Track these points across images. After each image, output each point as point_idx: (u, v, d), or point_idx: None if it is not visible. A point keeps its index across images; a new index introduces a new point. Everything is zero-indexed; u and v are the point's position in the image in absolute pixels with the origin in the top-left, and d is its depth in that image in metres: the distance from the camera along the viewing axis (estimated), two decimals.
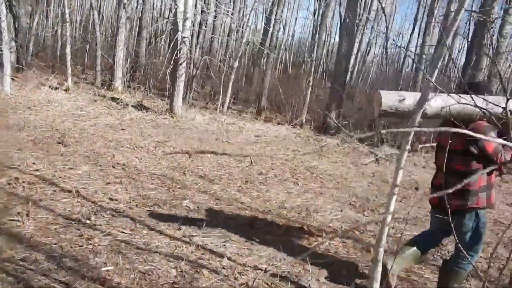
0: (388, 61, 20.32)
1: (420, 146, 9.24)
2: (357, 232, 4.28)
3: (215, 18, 12.34)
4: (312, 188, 5.69)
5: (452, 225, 2.28)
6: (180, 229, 3.74)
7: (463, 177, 2.35)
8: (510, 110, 1.95)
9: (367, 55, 24.07)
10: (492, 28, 9.53)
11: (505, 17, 9.46)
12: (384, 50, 17.39)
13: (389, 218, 2.16)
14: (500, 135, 2.75)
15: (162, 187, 4.80)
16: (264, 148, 7.84)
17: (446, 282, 3.01)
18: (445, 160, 2.65)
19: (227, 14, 13.07)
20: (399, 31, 30.05)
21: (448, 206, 2.17)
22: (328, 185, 5.93)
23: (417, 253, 3.09)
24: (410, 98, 2.51)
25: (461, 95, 2.30)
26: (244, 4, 18.37)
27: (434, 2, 13.30)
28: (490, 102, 2.10)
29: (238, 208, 4.52)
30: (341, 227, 4.42)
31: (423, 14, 23.70)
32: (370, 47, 24.63)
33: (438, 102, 2.53)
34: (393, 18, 31.36)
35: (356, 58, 19.73)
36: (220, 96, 11.53)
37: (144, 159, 5.75)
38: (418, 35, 25.35)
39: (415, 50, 15.40)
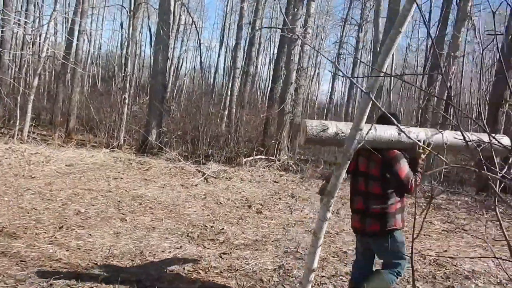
0: (203, 74, 20.55)
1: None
2: (201, 272, 3.78)
3: (2, 28, 10.36)
4: (143, 222, 4.98)
5: (375, 247, 2.93)
6: None
7: (383, 202, 2.98)
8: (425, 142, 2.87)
9: (180, 69, 23.98)
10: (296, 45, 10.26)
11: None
12: (199, 64, 17.44)
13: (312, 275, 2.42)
14: (410, 162, 3.00)
15: None
16: (79, 180, 6.72)
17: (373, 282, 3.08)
18: (364, 184, 3.05)
19: (19, 24, 11.16)
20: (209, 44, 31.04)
21: (373, 231, 2.86)
22: (161, 216, 5.30)
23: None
24: (333, 127, 2.78)
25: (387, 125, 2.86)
26: (40, 13, 16.24)
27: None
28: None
29: (53, 268, 3.53)
30: (184, 269, 3.84)
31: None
32: (182, 61, 24.65)
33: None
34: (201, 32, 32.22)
35: (169, 73, 19.40)
36: (17, 121, 9.63)
37: None
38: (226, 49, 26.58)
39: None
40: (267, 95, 17.95)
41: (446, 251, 4.88)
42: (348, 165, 2.59)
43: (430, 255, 4.52)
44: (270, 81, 14.59)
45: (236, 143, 10.21)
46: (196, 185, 7.22)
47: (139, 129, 11.04)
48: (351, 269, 3.43)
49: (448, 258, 4.39)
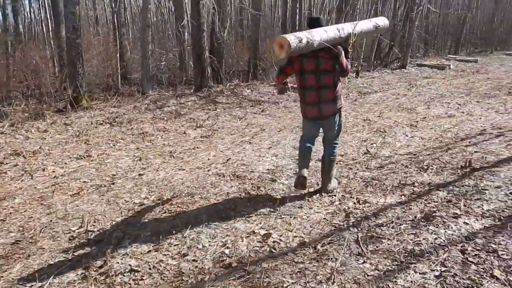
0: None
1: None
2: None
3: None
4: None
5: (328, 125, 3.92)
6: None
7: (334, 88, 3.80)
8: (354, 33, 3.83)
9: None
10: None
11: None
12: None
13: None
14: (344, 52, 3.80)
15: None
16: None
17: (329, 169, 4.11)
18: (315, 80, 3.75)
19: None
20: None
21: (331, 113, 3.84)
22: None
23: (307, 150, 4.06)
24: (303, 38, 3.37)
25: (324, 28, 3.67)
26: None
27: None
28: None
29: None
30: None
31: None
32: None
33: (319, 36, 3.53)
34: None
35: None
36: None
37: None
38: None
39: None
40: None
41: None
42: (286, 69, 3.86)
43: None
44: None
45: None
46: None
47: None
48: (300, 145, 4.14)
49: None
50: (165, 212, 3.94)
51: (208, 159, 5.50)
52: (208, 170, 5.04)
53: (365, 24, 4.19)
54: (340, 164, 5.05)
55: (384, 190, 4.22)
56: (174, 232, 3.52)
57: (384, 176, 4.61)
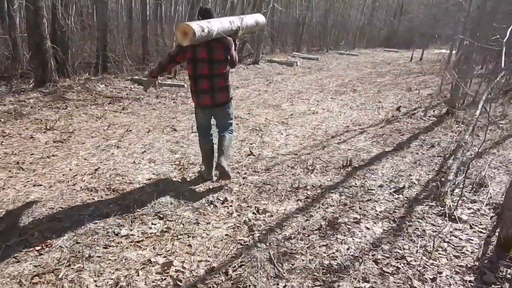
0: None
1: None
2: None
3: None
4: None
5: (221, 114, 4.03)
6: None
7: (226, 78, 3.87)
8: (241, 27, 3.90)
9: None
10: None
11: None
12: None
13: None
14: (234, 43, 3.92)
15: None
16: None
17: (228, 146, 4.08)
18: (208, 68, 3.79)
19: None
20: None
21: (223, 101, 3.95)
22: None
23: (211, 146, 4.20)
24: (205, 28, 3.47)
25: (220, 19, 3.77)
26: None
27: None
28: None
29: None
30: None
31: None
32: None
33: (216, 27, 3.63)
34: None
35: None
36: None
37: None
38: None
39: None
40: None
41: None
42: (176, 57, 3.84)
43: None
44: None
45: None
46: None
47: None
48: (200, 142, 4.22)
49: None
50: (25, 247, 3.05)
51: (70, 169, 4.58)
52: (74, 184, 4.15)
53: (249, 19, 4.24)
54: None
55: (279, 196, 4.00)
56: (44, 274, 2.71)
57: (275, 179, 4.40)
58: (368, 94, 10.08)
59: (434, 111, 8.07)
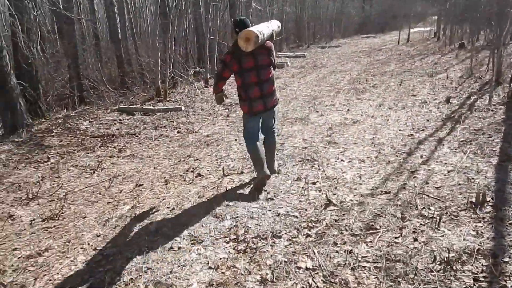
0: None
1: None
2: None
3: None
4: None
5: (271, 116, 3.99)
6: None
7: (273, 82, 3.92)
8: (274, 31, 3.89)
9: None
10: None
11: None
12: None
13: None
14: None
15: None
16: None
17: (274, 151, 4.23)
18: (256, 75, 3.73)
19: None
20: None
21: (273, 105, 3.91)
22: None
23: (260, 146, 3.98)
24: (260, 32, 3.48)
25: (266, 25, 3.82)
26: None
27: None
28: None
29: None
30: None
31: None
32: None
33: (264, 32, 3.60)
34: None
35: None
36: None
37: None
38: None
39: None
40: None
41: None
42: (223, 73, 3.77)
43: None
44: None
45: None
46: None
47: None
48: (250, 146, 3.93)
49: None
50: None
51: (78, 273, 2.90)
52: None
53: (274, 24, 4.07)
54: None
55: (428, 282, 2.44)
56: None
57: (397, 248, 2.82)
58: (391, 87, 8.63)
59: (493, 96, 6.62)
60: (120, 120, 7.74)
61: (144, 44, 15.45)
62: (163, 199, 4.07)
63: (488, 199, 3.25)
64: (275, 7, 19.95)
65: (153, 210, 3.83)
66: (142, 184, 4.56)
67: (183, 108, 8.23)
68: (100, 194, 4.41)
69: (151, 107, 8.49)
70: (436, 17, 21.93)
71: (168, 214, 3.71)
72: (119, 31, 13.07)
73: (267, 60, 3.74)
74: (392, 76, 9.99)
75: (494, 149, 4.44)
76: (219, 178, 4.47)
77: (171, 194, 4.18)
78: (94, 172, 5.11)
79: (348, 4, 27.75)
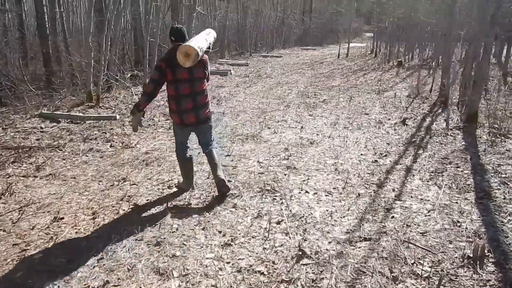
0: None
1: None
2: None
3: None
4: None
5: (204, 129, 3.88)
6: None
7: (206, 94, 3.82)
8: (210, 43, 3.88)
9: None
10: None
11: None
12: None
13: None
14: None
15: None
16: None
17: (218, 159, 3.94)
18: (190, 87, 3.62)
19: None
20: None
21: (205, 117, 3.78)
22: None
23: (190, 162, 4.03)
24: (199, 47, 3.40)
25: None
26: None
27: None
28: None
29: None
30: None
31: None
32: None
33: (202, 45, 3.54)
34: None
35: None
36: None
37: None
38: None
39: None
40: None
41: None
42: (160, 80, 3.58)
43: None
44: None
45: None
46: None
47: None
48: (177, 154, 3.97)
49: None
50: None
51: None
52: None
53: (212, 35, 4.00)
54: None
55: None
56: None
57: None
58: (341, 104, 8.24)
59: (449, 119, 6.37)
60: (41, 128, 6.55)
61: (76, 42, 13.99)
62: (89, 242, 3.15)
63: (487, 253, 2.75)
64: (218, 13, 19.16)
65: (72, 261, 2.90)
66: (63, 218, 3.58)
67: (117, 116, 7.20)
68: (4, 231, 3.38)
69: (81, 114, 7.36)
70: (372, 34, 22.43)
71: (93, 267, 2.81)
72: (48, 25, 11.59)
73: (202, 73, 3.71)
74: (340, 91, 9.66)
75: (467, 182, 4.04)
76: (161, 212, 3.63)
77: (100, 234, 3.27)
78: (0, 198, 4.02)
79: (289, 16, 27.71)
